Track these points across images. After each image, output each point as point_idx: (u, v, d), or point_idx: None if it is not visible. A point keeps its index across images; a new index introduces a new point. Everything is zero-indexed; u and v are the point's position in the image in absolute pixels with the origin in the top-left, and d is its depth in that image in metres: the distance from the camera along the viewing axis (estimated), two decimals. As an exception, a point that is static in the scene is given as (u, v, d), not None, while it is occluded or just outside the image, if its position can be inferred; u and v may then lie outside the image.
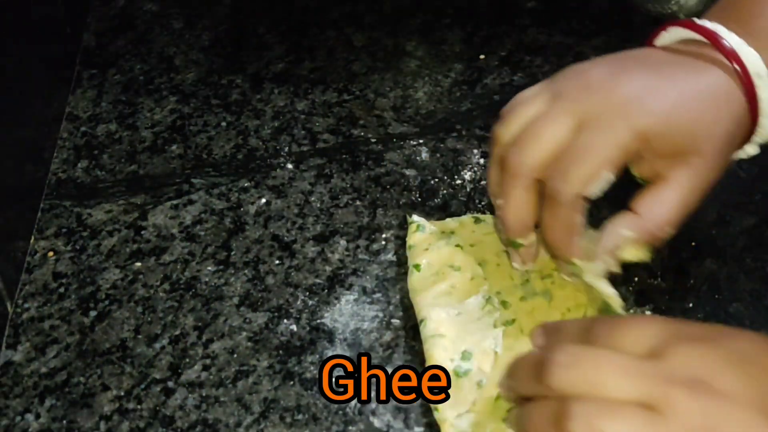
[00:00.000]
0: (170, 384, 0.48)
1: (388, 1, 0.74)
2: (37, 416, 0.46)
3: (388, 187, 0.58)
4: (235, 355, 0.49)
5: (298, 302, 0.51)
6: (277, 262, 0.54)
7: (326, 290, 0.52)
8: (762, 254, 0.53)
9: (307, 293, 0.52)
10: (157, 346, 0.49)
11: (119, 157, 0.61)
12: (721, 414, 0.34)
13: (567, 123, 0.45)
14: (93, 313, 0.51)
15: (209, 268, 0.54)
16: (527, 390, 0.38)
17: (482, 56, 0.68)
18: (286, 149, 0.61)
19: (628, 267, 0.52)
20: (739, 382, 0.35)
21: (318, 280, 0.53)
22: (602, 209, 0.49)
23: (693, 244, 0.54)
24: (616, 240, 0.45)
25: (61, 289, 0.53)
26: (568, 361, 0.36)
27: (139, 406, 0.47)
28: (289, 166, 0.60)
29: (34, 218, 0.57)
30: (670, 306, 0.50)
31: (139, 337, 0.50)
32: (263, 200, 0.58)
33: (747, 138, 0.48)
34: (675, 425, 0.33)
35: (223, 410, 0.46)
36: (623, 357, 0.36)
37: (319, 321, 0.50)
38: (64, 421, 0.46)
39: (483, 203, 0.56)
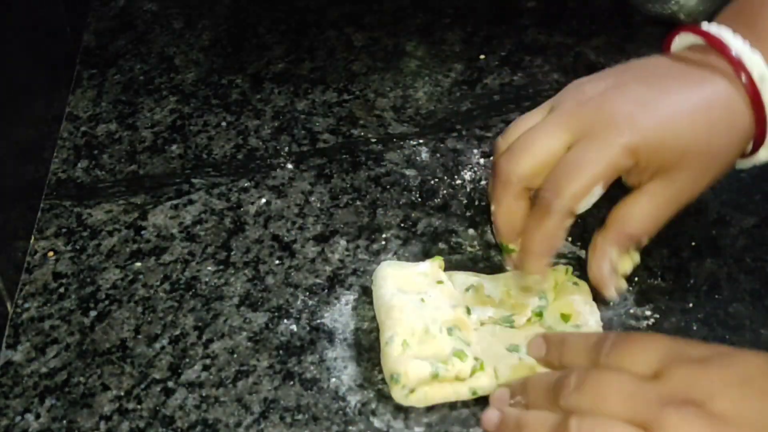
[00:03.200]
0: (170, 384, 0.48)
1: (388, 1, 0.74)
2: (37, 416, 0.46)
3: (388, 187, 0.58)
4: (235, 355, 0.49)
5: (298, 302, 0.51)
6: (277, 262, 0.54)
7: (326, 290, 0.52)
8: (762, 254, 0.53)
9: (307, 293, 0.52)
10: (157, 346, 0.49)
11: (119, 157, 0.61)
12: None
13: (560, 136, 0.46)
14: (93, 313, 0.51)
15: (209, 268, 0.54)
16: (539, 407, 0.41)
17: (482, 56, 0.68)
18: (286, 149, 0.61)
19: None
20: (736, 404, 0.36)
21: (318, 280, 0.53)
22: (602, 209, 0.49)
23: (693, 244, 0.54)
24: (608, 263, 0.48)
25: (61, 289, 0.53)
26: (578, 382, 0.39)
27: (139, 406, 0.47)
28: (289, 166, 0.60)
29: (34, 218, 0.57)
30: (670, 306, 0.50)
31: (139, 337, 0.50)
32: (263, 200, 0.58)
33: (757, 143, 0.48)
34: None
35: (223, 410, 0.46)
36: (625, 379, 0.38)
37: (319, 321, 0.50)
38: (64, 421, 0.46)
39: (483, 203, 0.56)
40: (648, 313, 0.50)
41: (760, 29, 0.47)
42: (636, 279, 0.52)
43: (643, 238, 0.48)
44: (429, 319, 0.47)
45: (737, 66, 0.46)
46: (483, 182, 0.58)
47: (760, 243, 0.54)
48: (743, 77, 0.46)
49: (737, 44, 0.47)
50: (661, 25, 0.69)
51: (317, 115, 0.64)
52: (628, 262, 0.50)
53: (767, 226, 0.55)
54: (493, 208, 0.50)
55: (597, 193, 0.46)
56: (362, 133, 0.62)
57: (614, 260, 0.48)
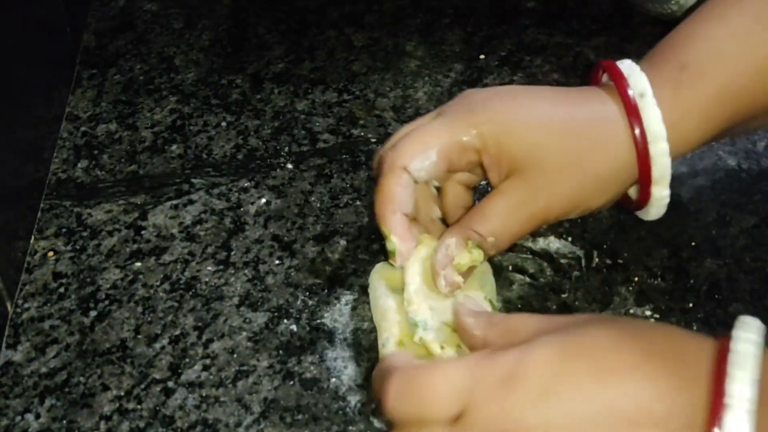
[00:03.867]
0: (170, 384, 0.48)
1: (388, 1, 0.74)
2: (37, 416, 0.46)
3: (388, 187, 0.58)
4: (235, 355, 0.49)
5: (298, 302, 0.51)
6: (277, 262, 0.54)
7: (326, 290, 0.52)
8: (762, 254, 0.53)
9: (307, 293, 0.52)
10: (157, 346, 0.49)
11: (119, 157, 0.61)
12: (516, 408, 0.34)
13: (439, 133, 0.48)
14: (93, 313, 0.51)
15: (209, 268, 0.54)
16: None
17: (482, 56, 0.68)
18: (286, 149, 0.61)
19: (627, 267, 0.53)
20: (542, 418, 0.34)
21: (318, 280, 0.53)
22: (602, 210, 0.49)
23: (693, 244, 0.54)
24: (446, 252, 0.46)
25: (61, 289, 0.53)
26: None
27: (139, 406, 0.47)
28: (289, 166, 0.60)
29: (34, 218, 0.57)
30: (670, 306, 0.50)
31: (139, 337, 0.50)
32: (263, 200, 0.58)
33: (644, 184, 0.48)
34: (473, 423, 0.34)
35: (223, 410, 0.46)
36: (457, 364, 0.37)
37: (319, 321, 0.50)
38: (64, 421, 0.46)
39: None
40: (648, 313, 0.50)
41: (663, 58, 0.48)
42: (636, 279, 0.52)
43: (487, 236, 0.46)
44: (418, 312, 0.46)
45: (619, 86, 0.47)
46: (483, 182, 0.58)
47: (760, 243, 0.54)
48: (627, 102, 0.46)
49: (627, 66, 0.48)
50: (661, 25, 0.69)
51: (317, 115, 0.64)
52: (466, 256, 0.46)
53: (767, 226, 0.55)
54: (375, 197, 0.48)
55: (431, 158, 0.47)
56: (362, 133, 0.62)
57: (451, 250, 0.46)
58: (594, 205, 0.48)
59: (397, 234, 0.47)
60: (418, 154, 0.47)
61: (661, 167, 0.46)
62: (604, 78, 0.50)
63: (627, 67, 0.48)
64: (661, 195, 0.48)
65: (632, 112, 0.46)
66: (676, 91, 0.46)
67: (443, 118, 0.48)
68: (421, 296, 0.46)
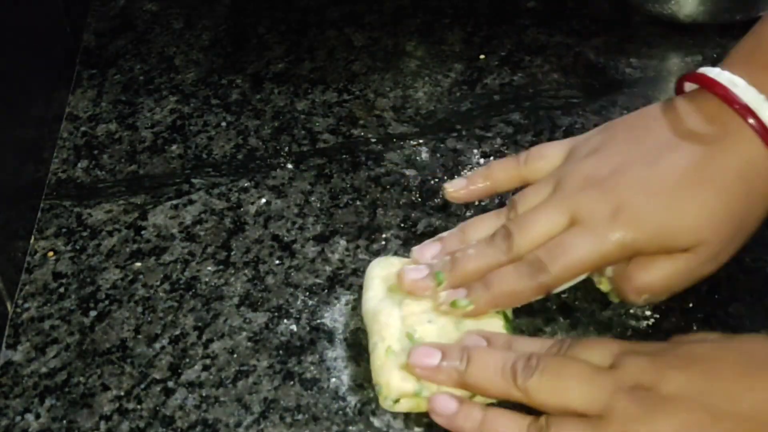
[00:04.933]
0: (170, 384, 0.48)
1: (388, 1, 0.74)
2: (37, 416, 0.46)
3: (388, 187, 0.58)
4: (235, 355, 0.49)
5: (298, 302, 0.51)
6: (277, 262, 0.54)
7: (326, 290, 0.52)
8: (762, 254, 0.53)
9: (307, 293, 0.52)
10: (157, 346, 0.49)
11: (119, 157, 0.61)
12: (660, 414, 0.38)
13: (559, 220, 0.46)
14: (93, 313, 0.51)
15: (209, 268, 0.54)
16: (492, 385, 0.42)
17: (482, 56, 0.68)
18: (286, 149, 0.61)
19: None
20: (682, 385, 0.38)
21: (318, 280, 0.53)
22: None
23: (693, 244, 0.54)
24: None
25: (61, 289, 0.53)
26: (542, 366, 0.41)
27: (139, 406, 0.47)
28: (289, 166, 0.60)
29: (34, 218, 0.57)
30: (670, 306, 0.50)
31: (139, 337, 0.50)
32: (263, 200, 0.58)
33: None
34: (613, 427, 0.38)
35: (223, 410, 0.46)
36: (584, 366, 0.41)
37: (319, 321, 0.50)
38: (64, 421, 0.46)
39: (482, 203, 0.56)
40: (648, 313, 0.50)
41: None
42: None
43: (644, 295, 0.47)
44: (416, 324, 0.46)
45: (753, 118, 0.45)
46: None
47: (760, 243, 0.54)
48: (759, 130, 0.45)
49: (750, 94, 0.45)
50: (661, 25, 0.69)
51: (317, 115, 0.64)
52: (603, 284, 0.49)
53: (767, 226, 0.55)
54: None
55: (581, 278, 0.47)
56: (362, 133, 0.62)
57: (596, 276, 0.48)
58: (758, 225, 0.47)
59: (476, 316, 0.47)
60: (568, 278, 0.46)
61: None
62: (695, 91, 0.48)
63: (724, 77, 0.46)
64: None
65: (757, 125, 0.45)
66: None
67: (592, 230, 0.45)
68: (425, 315, 0.47)
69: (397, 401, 0.44)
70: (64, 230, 0.56)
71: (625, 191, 0.46)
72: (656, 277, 0.46)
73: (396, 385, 0.44)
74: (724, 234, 0.45)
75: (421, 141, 0.61)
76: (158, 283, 0.53)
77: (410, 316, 0.46)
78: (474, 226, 0.49)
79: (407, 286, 0.46)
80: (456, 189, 0.52)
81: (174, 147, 0.62)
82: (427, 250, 0.48)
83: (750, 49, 0.48)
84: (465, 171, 0.59)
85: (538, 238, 0.46)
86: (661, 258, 0.46)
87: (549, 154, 0.50)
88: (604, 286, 0.49)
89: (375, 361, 0.45)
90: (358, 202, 0.57)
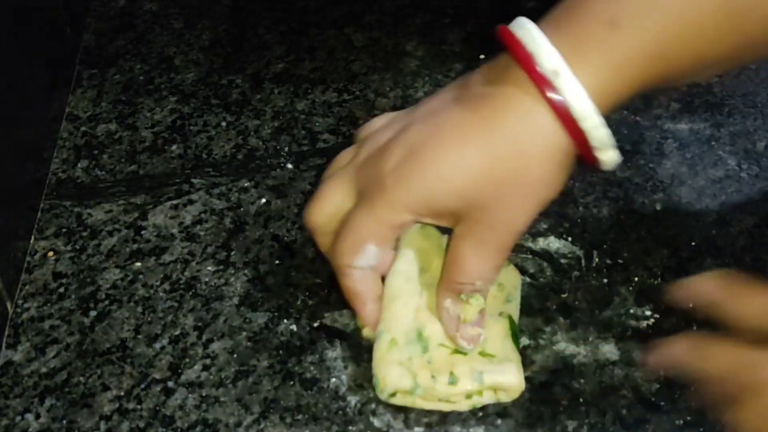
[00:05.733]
0: (170, 384, 0.48)
1: (388, 1, 0.74)
2: (37, 416, 0.46)
3: (388, 187, 0.58)
4: (235, 355, 0.49)
5: (298, 302, 0.51)
6: (277, 262, 0.54)
7: (326, 290, 0.52)
8: (762, 254, 0.53)
9: (307, 293, 0.52)
10: (157, 346, 0.49)
11: (119, 157, 0.61)
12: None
13: (346, 192, 0.47)
14: (93, 313, 0.51)
15: (209, 268, 0.54)
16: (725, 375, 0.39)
17: (482, 56, 0.68)
18: (286, 149, 0.61)
19: (627, 267, 0.53)
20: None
21: (318, 280, 0.53)
22: (602, 208, 0.49)
23: (693, 244, 0.54)
24: (449, 315, 0.46)
25: (61, 289, 0.53)
26: None
27: (139, 406, 0.47)
28: (289, 166, 0.60)
29: (34, 218, 0.57)
30: (670, 306, 0.50)
31: (139, 337, 0.50)
32: (263, 200, 0.58)
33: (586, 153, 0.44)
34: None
35: (223, 410, 0.46)
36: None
37: (319, 321, 0.50)
38: (64, 421, 0.46)
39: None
40: (648, 313, 0.50)
41: (579, 37, 0.42)
42: (636, 279, 0.52)
43: (473, 282, 0.45)
44: (428, 321, 0.46)
45: (542, 85, 0.42)
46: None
47: (760, 243, 0.54)
48: (550, 95, 0.42)
49: (553, 66, 0.41)
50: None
51: (317, 115, 0.64)
52: (468, 309, 0.45)
53: (767, 226, 0.55)
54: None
55: (371, 250, 0.46)
56: (362, 133, 0.62)
57: (453, 311, 0.45)
58: (553, 196, 0.45)
59: (370, 326, 0.48)
60: (358, 252, 0.46)
61: (599, 139, 0.42)
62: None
63: (532, 39, 0.43)
64: (609, 158, 0.44)
65: (551, 101, 0.42)
66: (604, 53, 0.41)
67: (364, 205, 0.46)
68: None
69: (393, 395, 0.45)
70: (64, 230, 0.56)
71: (394, 157, 0.45)
72: (472, 270, 0.45)
73: (392, 381, 0.44)
74: (492, 194, 0.43)
75: (421, 141, 0.61)
76: (158, 283, 0.53)
77: (424, 310, 0.46)
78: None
79: None
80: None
81: (174, 147, 0.62)
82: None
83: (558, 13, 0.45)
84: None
85: (328, 210, 0.48)
86: (457, 246, 0.45)
87: (375, 123, 0.50)
88: (467, 312, 0.46)
89: (377, 351, 0.46)
90: (358, 202, 0.57)
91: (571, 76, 0.41)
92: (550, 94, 0.41)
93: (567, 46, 0.42)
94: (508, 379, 0.45)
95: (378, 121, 0.50)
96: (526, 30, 0.44)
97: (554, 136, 0.42)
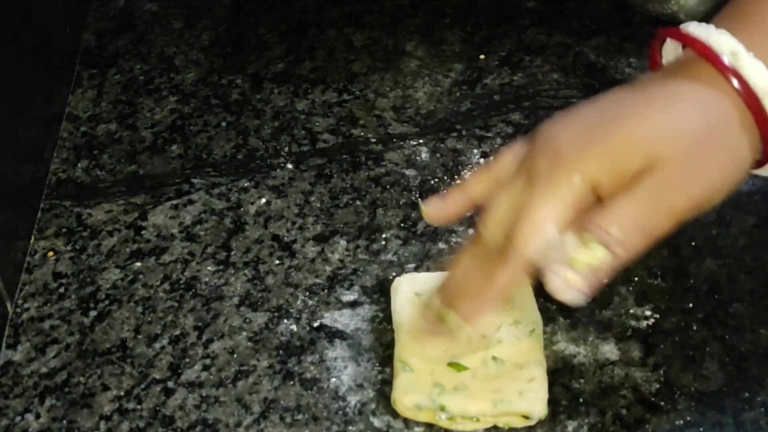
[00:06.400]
0: (170, 384, 0.48)
1: (388, 1, 0.74)
2: (37, 416, 0.46)
3: (388, 187, 0.58)
4: (235, 355, 0.49)
5: (298, 302, 0.51)
6: (277, 262, 0.54)
7: (326, 290, 0.52)
8: (762, 254, 0.53)
9: (307, 293, 0.52)
10: (157, 346, 0.49)
11: (119, 157, 0.61)
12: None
13: (519, 191, 0.43)
14: (93, 313, 0.51)
15: (209, 268, 0.54)
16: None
17: (482, 56, 0.68)
18: (286, 149, 0.61)
19: (627, 267, 0.53)
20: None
21: (318, 280, 0.53)
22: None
23: (693, 244, 0.54)
24: (559, 249, 0.41)
25: (61, 289, 0.53)
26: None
27: (139, 406, 0.47)
28: (289, 166, 0.60)
29: (34, 218, 0.57)
30: (670, 306, 0.50)
31: (139, 337, 0.50)
32: (263, 200, 0.58)
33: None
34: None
35: (223, 410, 0.46)
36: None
37: (319, 321, 0.50)
38: (64, 421, 0.46)
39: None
40: (648, 313, 0.50)
41: (760, 33, 0.43)
42: (636, 279, 0.52)
43: (609, 228, 0.40)
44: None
45: (733, 75, 0.42)
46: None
47: (760, 243, 0.54)
48: (740, 88, 0.42)
49: (730, 47, 0.42)
50: (661, 25, 0.69)
51: (317, 115, 0.64)
52: (584, 252, 0.40)
53: (767, 226, 0.55)
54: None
55: (552, 234, 0.41)
56: (362, 133, 0.62)
57: (567, 247, 0.41)
58: (735, 178, 0.42)
59: (475, 329, 0.44)
60: (538, 239, 0.41)
61: None
62: (671, 47, 0.45)
63: (704, 31, 0.43)
64: None
65: (731, 74, 0.41)
66: None
67: (539, 185, 0.42)
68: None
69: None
70: (64, 230, 0.56)
71: (565, 136, 0.43)
72: (616, 215, 0.40)
73: (402, 409, 0.45)
74: (677, 149, 0.41)
75: (421, 141, 0.61)
76: (158, 283, 0.53)
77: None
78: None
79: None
80: (432, 208, 0.47)
81: (174, 147, 0.62)
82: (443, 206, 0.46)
83: (732, 10, 0.45)
84: (465, 171, 0.59)
85: (503, 218, 0.43)
86: (619, 194, 0.41)
87: (515, 146, 0.46)
88: (583, 256, 0.41)
89: (395, 371, 0.46)
90: (358, 202, 0.57)
91: (750, 56, 0.41)
92: (731, 77, 0.42)
93: (740, 32, 0.42)
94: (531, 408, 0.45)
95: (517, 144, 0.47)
96: (693, 26, 0.44)
97: (736, 110, 0.42)
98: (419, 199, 0.57)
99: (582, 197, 0.41)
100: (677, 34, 0.44)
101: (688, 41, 0.43)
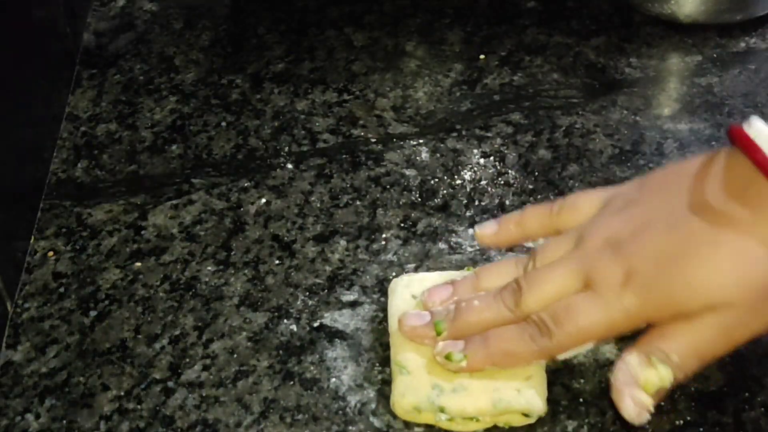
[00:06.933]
0: (170, 384, 0.48)
1: (388, 1, 0.74)
2: (37, 416, 0.46)
3: (388, 187, 0.58)
4: (235, 355, 0.49)
5: (298, 302, 0.51)
6: (277, 262, 0.54)
7: (326, 290, 0.52)
8: (762, 254, 0.53)
9: (307, 293, 0.52)
10: (157, 346, 0.49)
11: (119, 157, 0.61)
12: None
13: (572, 281, 0.44)
14: (93, 313, 0.51)
15: (209, 268, 0.54)
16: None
17: (482, 56, 0.68)
18: (286, 149, 0.61)
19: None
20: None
21: (318, 280, 0.53)
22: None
23: (693, 244, 0.54)
24: (627, 372, 0.43)
25: (61, 289, 0.53)
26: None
27: (139, 406, 0.47)
28: (289, 166, 0.60)
29: (34, 218, 0.57)
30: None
31: (139, 337, 0.50)
32: (263, 200, 0.58)
33: None
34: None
35: (223, 410, 0.46)
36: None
37: (319, 321, 0.50)
38: (64, 421, 0.46)
39: (483, 203, 0.56)
40: (648, 313, 0.50)
41: None
42: (636, 279, 0.52)
43: (669, 353, 0.42)
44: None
45: None
46: (483, 182, 0.58)
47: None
48: None
49: None
50: (661, 25, 0.69)
51: (317, 115, 0.64)
52: (652, 373, 0.42)
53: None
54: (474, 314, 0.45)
55: (588, 347, 0.45)
56: (362, 133, 0.62)
57: (633, 368, 0.43)
58: None
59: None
60: (576, 346, 0.44)
61: None
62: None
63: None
64: None
65: None
66: None
67: (596, 299, 0.43)
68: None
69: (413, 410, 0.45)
70: (64, 230, 0.56)
71: (637, 257, 0.43)
72: (677, 343, 0.42)
73: (401, 412, 0.45)
74: (744, 297, 0.41)
75: (421, 141, 0.61)
76: (158, 283, 0.53)
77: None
78: (489, 273, 0.47)
79: (407, 332, 0.46)
80: (486, 233, 0.49)
81: (174, 147, 0.62)
82: (437, 294, 0.47)
83: None
84: (465, 171, 0.59)
85: (547, 298, 0.44)
86: (680, 323, 0.42)
87: (582, 206, 0.47)
88: (650, 376, 0.43)
89: (392, 374, 0.46)
90: (358, 202, 0.57)
91: None
92: None
93: None
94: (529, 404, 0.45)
95: (585, 203, 0.48)
96: (764, 138, 0.41)
97: None
98: (419, 200, 0.57)
99: (629, 325, 0.44)
100: (746, 141, 0.42)
101: (759, 161, 0.41)
